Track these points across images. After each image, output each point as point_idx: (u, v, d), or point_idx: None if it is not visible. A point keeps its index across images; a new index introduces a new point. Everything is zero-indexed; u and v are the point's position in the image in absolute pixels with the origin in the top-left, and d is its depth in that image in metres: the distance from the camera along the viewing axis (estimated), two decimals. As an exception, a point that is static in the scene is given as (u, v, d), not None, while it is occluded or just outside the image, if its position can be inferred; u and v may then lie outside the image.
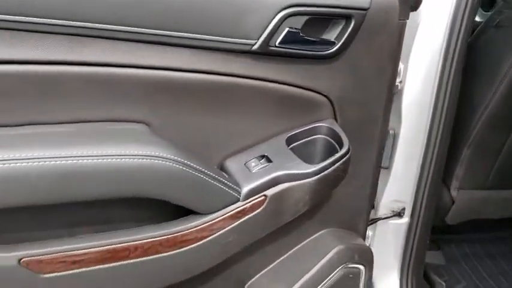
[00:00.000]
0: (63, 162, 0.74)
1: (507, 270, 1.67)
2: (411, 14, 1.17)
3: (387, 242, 1.38)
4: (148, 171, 0.80)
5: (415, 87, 1.22)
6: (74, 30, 0.76)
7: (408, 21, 1.18)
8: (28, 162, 0.72)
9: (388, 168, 1.29)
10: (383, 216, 1.32)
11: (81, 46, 0.78)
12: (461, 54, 1.19)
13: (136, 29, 0.79)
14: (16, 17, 0.71)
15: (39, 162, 0.72)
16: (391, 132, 1.26)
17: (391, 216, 1.33)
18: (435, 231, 1.68)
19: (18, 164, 0.71)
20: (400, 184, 1.31)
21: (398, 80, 1.20)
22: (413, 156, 1.28)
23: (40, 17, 0.72)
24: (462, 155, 1.42)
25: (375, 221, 1.32)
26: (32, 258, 0.76)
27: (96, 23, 0.77)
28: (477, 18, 1.84)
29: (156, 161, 0.80)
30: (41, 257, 0.77)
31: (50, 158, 0.73)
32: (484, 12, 1.96)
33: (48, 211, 0.80)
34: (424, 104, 1.24)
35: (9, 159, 0.70)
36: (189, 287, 1.00)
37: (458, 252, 1.71)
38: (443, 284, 1.52)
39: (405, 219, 1.35)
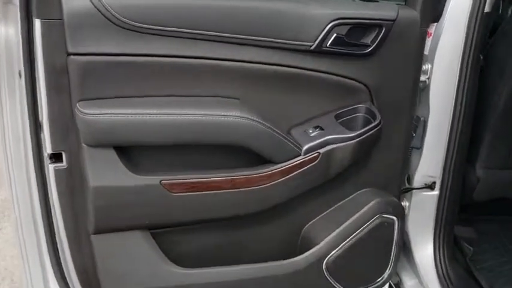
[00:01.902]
0: (189, 117, 1.17)
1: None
2: (435, 25, 1.53)
3: (422, 211, 1.69)
4: (239, 127, 1.21)
5: (440, 83, 1.54)
6: (193, 36, 1.19)
7: (434, 31, 1.53)
8: (168, 116, 1.16)
9: (420, 148, 1.62)
10: (416, 187, 1.64)
11: (196, 45, 1.19)
12: (476, 57, 1.51)
13: (235, 35, 1.21)
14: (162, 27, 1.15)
15: (176, 116, 1.16)
16: (421, 119, 1.59)
17: (423, 188, 1.65)
18: (468, 210, 1.96)
19: (163, 117, 1.15)
20: (430, 162, 1.62)
21: (426, 77, 1.54)
22: (440, 139, 1.59)
23: (181, 28, 1.16)
24: (484, 139, 1.72)
25: (409, 189, 1.64)
26: (168, 181, 1.19)
27: (208, 31, 1.19)
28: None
29: (244, 120, 1.21)
30: (173, 181, 1.20)
31: (181, 114, 1.17)
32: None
33: (178, 152, 1.23)
34: (448, 96, 1.55)
35: (158, 114, 1.15)
36: (261, 223, 1.39)
37: (489, 230, 1.98)
38: (471, 249, 1.80)
39: (436, 192, 1.66)
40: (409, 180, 1.67)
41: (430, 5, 1.38)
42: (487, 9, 1.46)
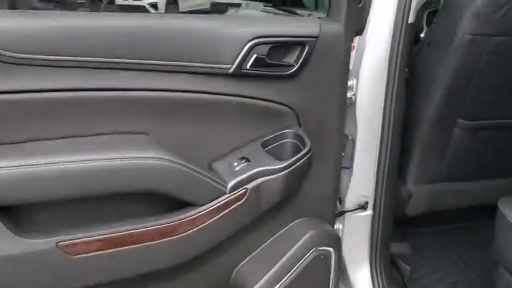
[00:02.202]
0: (86, 164, 0.96)
1: (465, 255, 1.91)
2: (358, 38, 1.43)
3: (356, 233, 1.59)
4: (149, 169, 1.02)
5: (366, 99, 1.44)
6: (92, 64, 0.99)
7: (357, 44, 1.43)
8: (59, 165, 0.94)
9: (350, 168, 1.52)
10: (349, 209, 1.54)
11: (89, 75, 1.00)
12: (402, 70, 1.44)
13: (138, 60, 1.02)
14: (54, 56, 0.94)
15: (69, 165, 0.94)
16: (349, 137, 1.49)
17: (356, 209, 1.55)
18: (401, 224, 1.90)
19: (53, 167, 0.93)
20: (361, 181, 1.53)
21: (351, 93, 1.44)
22: (370, 157, 1.50)
23: (68, 55, 0.95)
24: (414, 153, 1.66)
25: (342, 213, 1.53)
26: (67, 242, 0.97)
27: (104, 57, 1.00)
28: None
29: (155, 161, 1.02)
30: (73, 241, 0.98)
31: (76, 161, 0.95)
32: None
33: (79, 204, 1.02)
34: (375, 112, 1.46)
35: (47, 163, 0.93)
36: (186, 272, 1.21)
37: (423, 243, 1.94)
38: (408, 268, 1.74)
39: (369, 212, 1.56)
40: (341, 201, 1.57)
41: (354, 17, 1.28)
42: (410, 19, 1.38)
